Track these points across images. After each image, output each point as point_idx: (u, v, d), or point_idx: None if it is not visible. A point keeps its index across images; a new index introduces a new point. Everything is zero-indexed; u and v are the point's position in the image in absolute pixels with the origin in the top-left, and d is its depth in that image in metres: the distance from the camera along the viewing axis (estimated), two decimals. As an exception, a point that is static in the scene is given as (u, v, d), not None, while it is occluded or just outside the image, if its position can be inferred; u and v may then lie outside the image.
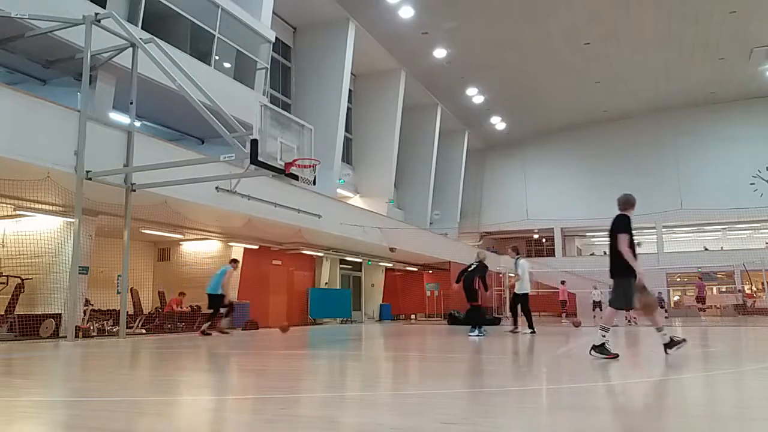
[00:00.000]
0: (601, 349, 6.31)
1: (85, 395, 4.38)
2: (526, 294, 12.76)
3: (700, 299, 22.24)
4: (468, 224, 36.58)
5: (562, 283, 24.44)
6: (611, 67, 28.16)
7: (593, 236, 40.29)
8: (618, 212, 6.76)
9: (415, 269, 27.99)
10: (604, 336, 6.32)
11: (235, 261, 14.28)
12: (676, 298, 32.40)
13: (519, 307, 12.98)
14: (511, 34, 24.52)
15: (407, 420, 3.26)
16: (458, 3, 21.84)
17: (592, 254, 37.18)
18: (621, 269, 6.47)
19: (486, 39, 24.79)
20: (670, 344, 6.57)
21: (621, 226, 6.57)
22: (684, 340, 6.61)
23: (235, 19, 15.56)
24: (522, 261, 12.88)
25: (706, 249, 31.66)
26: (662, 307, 22.66)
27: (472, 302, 11.87)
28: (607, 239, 6.76)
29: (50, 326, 11.45)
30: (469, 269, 11.79)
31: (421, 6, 21.91)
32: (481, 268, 11.91)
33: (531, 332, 12.00)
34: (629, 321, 19.49)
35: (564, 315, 22.96)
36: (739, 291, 28.04)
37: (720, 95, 32.28)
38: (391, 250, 22.17)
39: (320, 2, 21.31)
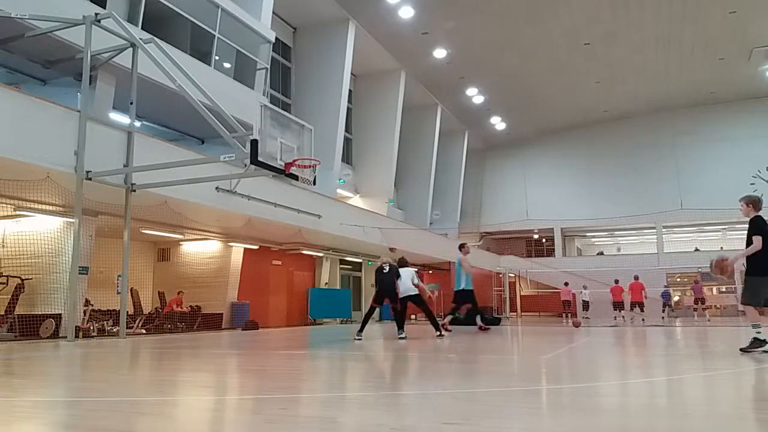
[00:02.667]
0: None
1: (85, 395, 4.38)
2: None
3: (699, 300, 22.37)
4: (468, 224, 36.55)
5: (566, 284, 24.43)
6: (611, 67, 28.15)
7: (593, 236, 40.30)
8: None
9: (415, 269, 27.96)
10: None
11: (462, 246, 13.27)
12: (676, 298, 32.38)
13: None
14: (511, 34, 24.53)
15: (407, 420, 3.26)
16: (458, 3, 21.84)
17: (600, 253, 37.17)
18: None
19: (486, 39, 24.79)
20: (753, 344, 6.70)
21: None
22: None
23: (235, 19, 15.56)
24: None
25: (697, 250, 31.70)
26: (669, 306, 22.74)
27: (394, 305, 11.30)
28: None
29: (50, 326, 11.46)
30: (384, 272, 11.13)
31: (421, 6, 21.90)
32: (396, 270, 11.35)
33: (401, 337, 10.72)
34: (632, 320, 19.57)
35: (568, 315, 22.99)
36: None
37: (720, 95, 32.26)
38: (391, 250, 22.15)
39: (320, 2, 21.31)
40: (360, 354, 8.14)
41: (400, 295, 11.22)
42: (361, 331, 10.96)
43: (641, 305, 20.00)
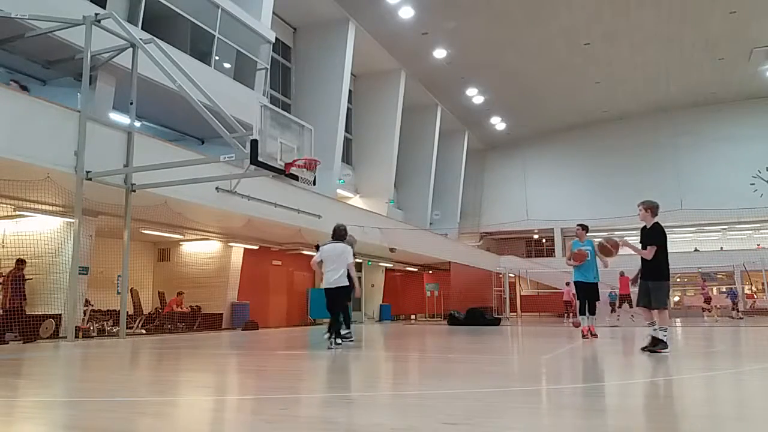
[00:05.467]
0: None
1: (85, 395, 4.38)
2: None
3: (708, 300, 22.36)
4: (468, 224, 36.56)
5: (567, 284, 24.20)
6: (611, 67, 28.16)
7: (593, 236, 40.31)
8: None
9: (415, 269, 27.99)
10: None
11: (583, 228, 10.75)
12: (677, 298, 32.37)
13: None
14: (511, 34, 24.53)
15: (407, 420, 3.26)
16: (458, 3, 21.85)
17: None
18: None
19: (486, 39, 24.79)
20: (653, 344, 6.89)
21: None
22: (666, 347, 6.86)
23: (235, 19, 15.56)
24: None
25: (696, 250, 31.73)
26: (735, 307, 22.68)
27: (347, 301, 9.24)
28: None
29: (50, 326, 11.45)
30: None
31: (421, 6, 21.91)
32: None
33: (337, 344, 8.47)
34: (632, 317, 19.51)
35: (569, 315, 22.87)
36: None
37: (720, 95, 32.28)
38: (392, 250, 22.16)
39: (320, 2, 21.31)
40: (359, 354, 8.14)
41: (324, 285, 8.65)
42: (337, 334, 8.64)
43: (629, 300, 19.82)
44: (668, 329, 6.92)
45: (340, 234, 9.10)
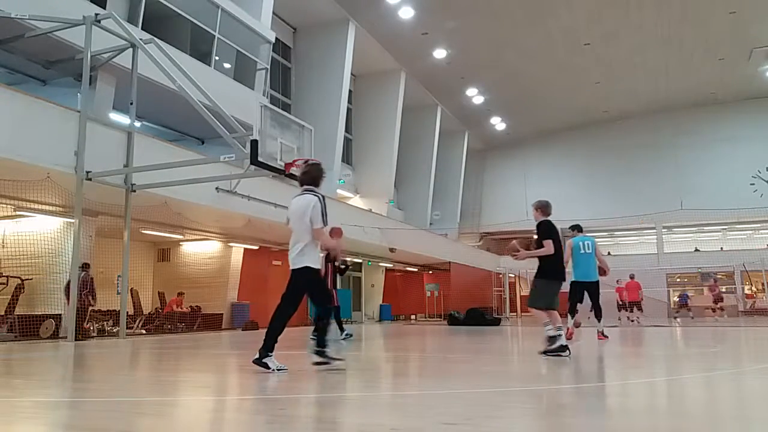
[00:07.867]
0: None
1: (85, 395, 4.38)
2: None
3: (718, 299, 22.24)
4: (468, 224, 36.55)
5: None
6: (611, 67, 28.16)
7: (593, 236, 40.29)
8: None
9: (415, 269, 27.98)
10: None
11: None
12: (677, 298, 32.35)
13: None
14: (511, 34, 24.53)
15: (407, 420, 3.26)
16: (458, 3, 21.85)
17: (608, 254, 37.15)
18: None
19: (486, 39, 24.80)
20: (551, 349, 6.46)
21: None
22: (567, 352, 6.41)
23: (235, 19, 15.57)
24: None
25: (697, 250, 31.69)
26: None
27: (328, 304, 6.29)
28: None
29: (50, 326, 11.46)
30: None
31: (421, 6, 21.91)
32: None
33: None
34: (631, 320, 19.49)
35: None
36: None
37: (720, 95, 32.28)
38: (391, 250, 22.16)
39: (320, 3, 21.31)
40: (358, 355, 8.14)
41: (291, 266, 5.95)
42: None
43: (639, 305, 19.86)
44: (561, 330, 6.48)
45: (309, 175, 5.94)
